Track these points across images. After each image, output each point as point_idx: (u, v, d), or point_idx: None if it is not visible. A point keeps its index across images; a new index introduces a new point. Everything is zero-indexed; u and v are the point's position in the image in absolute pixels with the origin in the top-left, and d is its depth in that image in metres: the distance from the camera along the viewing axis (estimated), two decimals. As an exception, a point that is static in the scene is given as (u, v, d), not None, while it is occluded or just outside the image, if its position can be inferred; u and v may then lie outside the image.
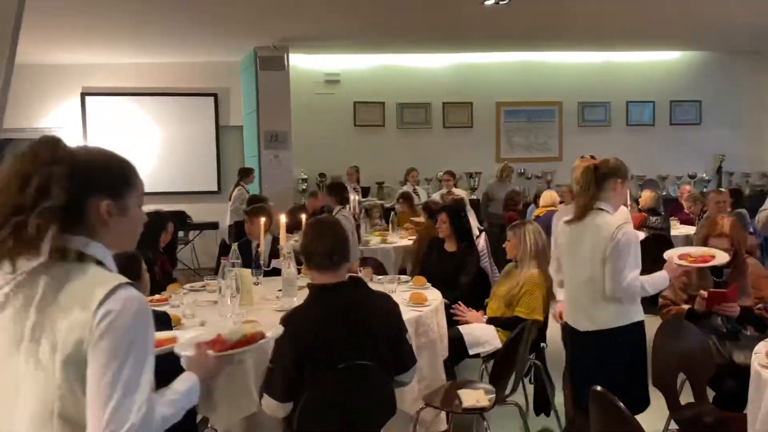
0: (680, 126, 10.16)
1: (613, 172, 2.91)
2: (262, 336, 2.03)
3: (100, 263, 1.29)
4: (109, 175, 1.33)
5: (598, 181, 2.91)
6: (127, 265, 2.69)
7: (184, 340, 1.87)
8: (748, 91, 10.05)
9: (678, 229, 6.53)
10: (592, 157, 3.05)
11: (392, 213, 7.07)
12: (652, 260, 3.47)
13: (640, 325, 2.93)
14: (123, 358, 1.19)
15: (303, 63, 9.06)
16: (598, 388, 1.98)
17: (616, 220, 2.88)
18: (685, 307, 3.24)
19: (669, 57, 10.03)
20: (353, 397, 2.25)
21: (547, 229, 4.18)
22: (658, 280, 2.92)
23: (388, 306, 2.38)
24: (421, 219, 6.14)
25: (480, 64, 9.63)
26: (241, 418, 2.87)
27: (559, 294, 3.30)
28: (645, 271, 2.94)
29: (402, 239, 6.20)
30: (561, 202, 6.21)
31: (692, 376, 2.87)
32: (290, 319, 2.34)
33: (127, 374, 1.19)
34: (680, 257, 3.06)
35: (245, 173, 8.08)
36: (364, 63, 9.40)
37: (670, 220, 6.48)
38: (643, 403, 2.89)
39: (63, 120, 8.89)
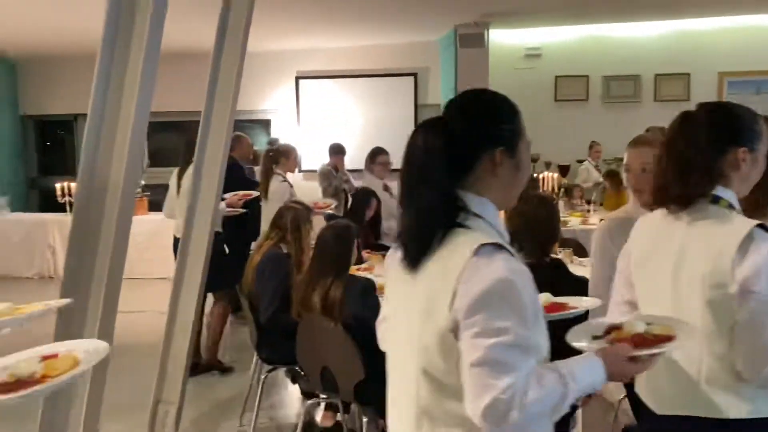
0: None
1: None
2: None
3: None
4: None
5: None
6: (342, 233, 2.91)
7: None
8: None
9: None
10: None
11: (594, 193, 6.74)
12: None
13: None
14: None
15: (502, 38, 8.91)
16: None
17: None
18: None
19: None
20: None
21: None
22: None
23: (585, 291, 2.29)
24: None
25: (699, 30, 8.70)
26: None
27: None
28: None
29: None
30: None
31: None
32: None
33: None
34: None
35: None
36: (567, 35, 8.98)
37: None
38: None
39: (279, 103, 9.74)
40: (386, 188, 5.55)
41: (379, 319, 1.53)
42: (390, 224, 5.13)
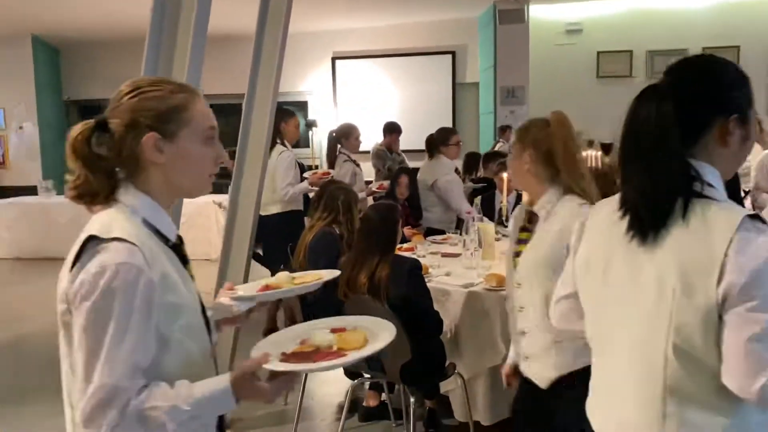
0: None
1: None
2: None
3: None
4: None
5: None
6: (387, 213, 2.90)
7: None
8: None
9: None
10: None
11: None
12: None
13: None
14: None
15: (543, 13, 8.71)
16: None
17: None
18: None
19: None
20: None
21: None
22: None
23: None
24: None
25: (749, 0, 8.37)
26: (487, 367, 2.96)
27: None
28: None
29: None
30: None
31: None
32: None
33: None
34: None
35: (502, 130, 8.05)
36: (609, 8, 8.74)
37: None
38: None
39: (315, 84, 9.73)
40: (457, 170, 5.41)
41: (559, 296, 1.48)
42: (462, 206, 4.97)
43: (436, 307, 2.88)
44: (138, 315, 1.11)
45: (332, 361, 1.22)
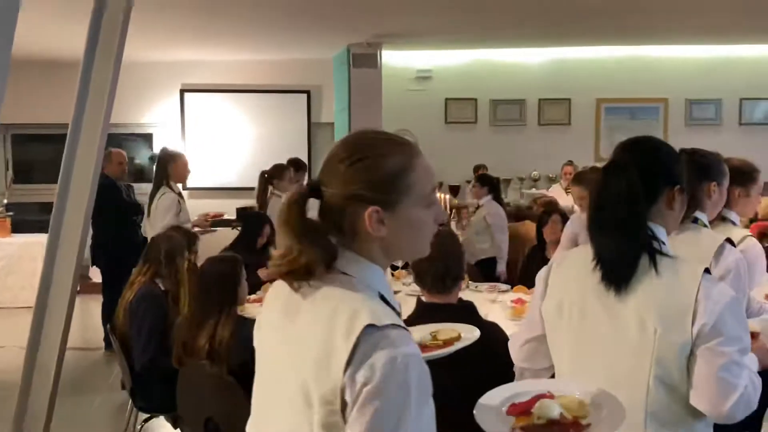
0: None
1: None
2: None
3: None
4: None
5: None
6: (226, 271, 2.64)
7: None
8: None
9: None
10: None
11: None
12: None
13: None
14: None
15: (395, 60, 8.94)
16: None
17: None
18: None
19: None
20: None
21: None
22: None
23: (497, 339, 2.15)
24: None
25: (579, 59, 9.19)
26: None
27: None
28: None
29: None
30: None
31: None
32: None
33: None
34: None
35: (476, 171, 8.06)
36: (456, 59, 9.18)
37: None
38: None
39: (162, 116, 9.20)
40: None
41: (525, 339, 1.68)
42: None
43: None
44: (428, 408, 1.07)
45: None
